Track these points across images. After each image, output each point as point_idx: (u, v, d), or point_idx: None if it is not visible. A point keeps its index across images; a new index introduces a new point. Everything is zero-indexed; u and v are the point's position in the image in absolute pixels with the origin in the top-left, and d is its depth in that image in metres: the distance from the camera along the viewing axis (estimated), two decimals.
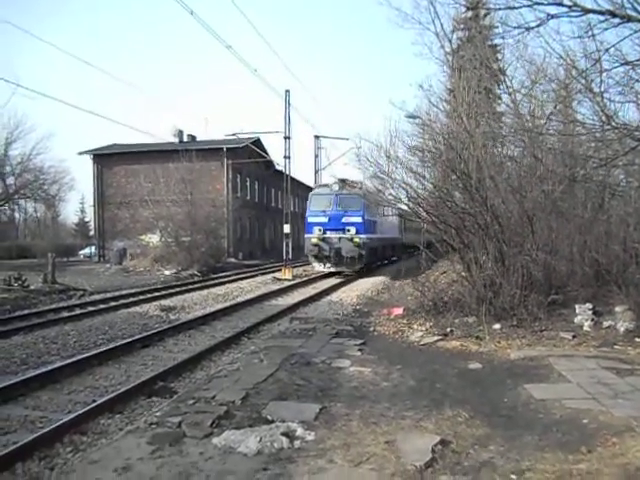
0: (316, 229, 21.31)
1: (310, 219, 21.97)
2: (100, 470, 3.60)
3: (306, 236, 22.12)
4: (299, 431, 4.16)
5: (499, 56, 16.27)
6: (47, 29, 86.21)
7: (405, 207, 14.84)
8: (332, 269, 21.83)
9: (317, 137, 32.01)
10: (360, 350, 7.36)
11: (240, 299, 15.26)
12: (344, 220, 21.09)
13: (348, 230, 20.90)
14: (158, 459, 3.73)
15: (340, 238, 20.95)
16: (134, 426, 4.56)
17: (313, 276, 22.11)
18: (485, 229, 9.79)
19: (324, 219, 21.42)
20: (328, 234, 21.19)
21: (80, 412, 5.52)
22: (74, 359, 7.76)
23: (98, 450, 4.12)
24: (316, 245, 21.18)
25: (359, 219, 21.05)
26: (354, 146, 15.96)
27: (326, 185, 23.21)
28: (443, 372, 6.18)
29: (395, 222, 27.67)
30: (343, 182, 21.81)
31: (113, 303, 14.34)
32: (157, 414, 4.73)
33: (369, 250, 21.85)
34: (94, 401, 6.01)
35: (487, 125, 11.06)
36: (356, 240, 20.77)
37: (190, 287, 18.72)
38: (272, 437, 3.98)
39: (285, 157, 26.46)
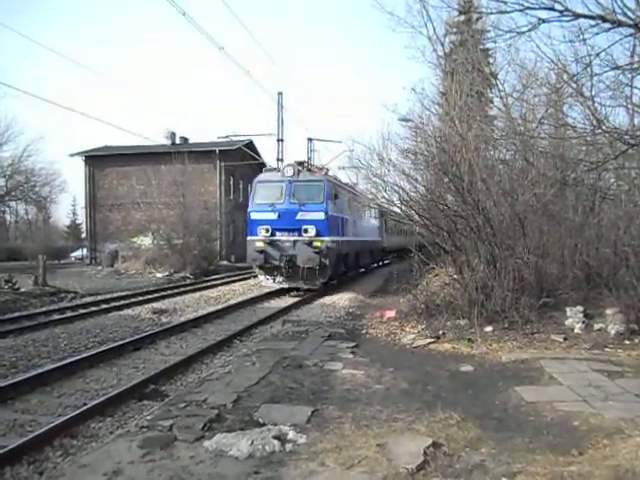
0: (262, 229, 15.67)
1: (253, 215, 16.19)
2: (90, 474, 3.57)
3: (248, 239, 16.27)
4: (291, 434, 4.14)
5: (491, 60, 16.44)
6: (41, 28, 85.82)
7: (397, 209, 14.72)
8: (284, 284, 16.08)
9: (310, 140, 31.96)
10: (352, 353, 7.36)
11: (232, 302, 15.18)
12: (300, 217, 15.46)
13: (306, 230, 15.30)
14: (149, 463, 3.70)
15: (295, 241, 15.39)
16: (125, 430, 4.53)
17: None
18: (477, 232, 9.83)
19: (273, 215, 15.66)
20: (278, 236, 15.56)
21: (70, 415, 5.47)
22: (65, 362, 7.70)
23: (88, 454, 4.08)
24: (262, 251, 15.54)
25: (321, 215, 15.44)
26: (347, 149, 15.40)
27: (276, 169, 17.73)
28: (435, 374, 6.19)
29: (374, 222, 23.09)
30: (300, 165, 16.65)
31: (104, 305, 14.26)
32: (148, 417, 4.69)
33: (336, 257, 16.15)
34: (85, 404, 5.98)
35: (479, 128, 11.11)
36: (317, 244, 15.15)
37: (182, 290, 18.62)
38: (264, 440, 3.96)
39: (278, 159, 26.55)
